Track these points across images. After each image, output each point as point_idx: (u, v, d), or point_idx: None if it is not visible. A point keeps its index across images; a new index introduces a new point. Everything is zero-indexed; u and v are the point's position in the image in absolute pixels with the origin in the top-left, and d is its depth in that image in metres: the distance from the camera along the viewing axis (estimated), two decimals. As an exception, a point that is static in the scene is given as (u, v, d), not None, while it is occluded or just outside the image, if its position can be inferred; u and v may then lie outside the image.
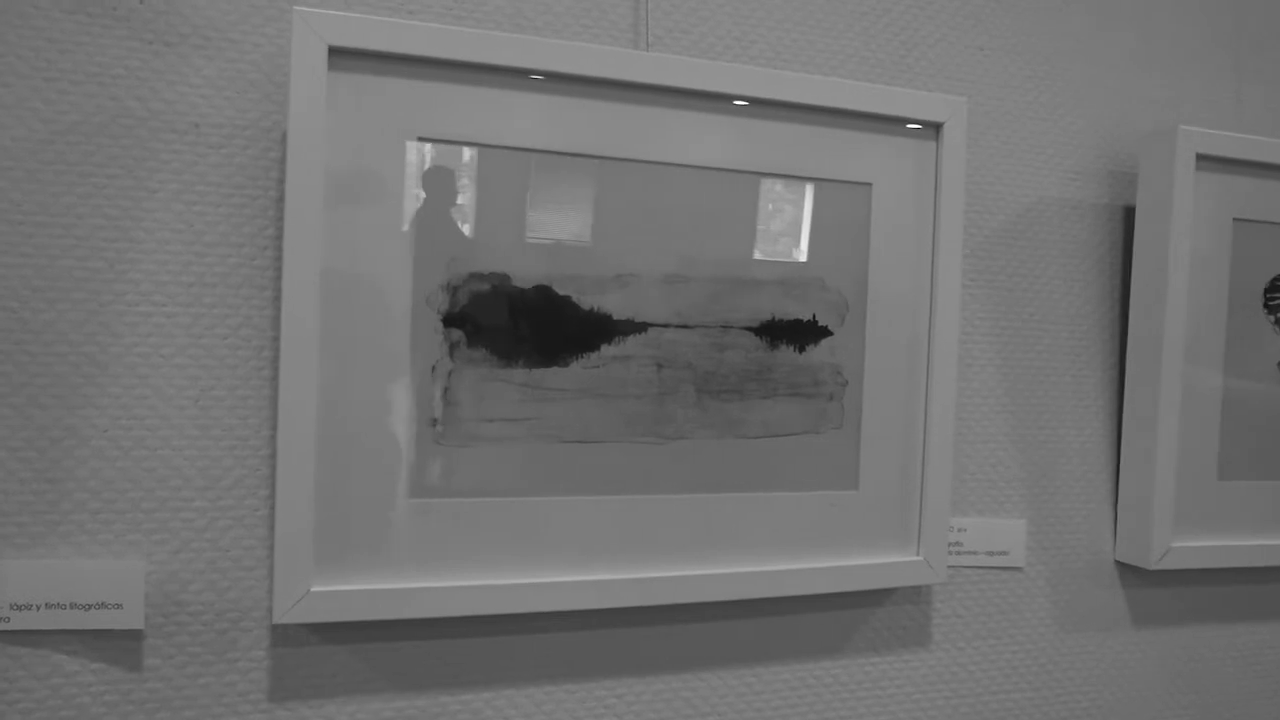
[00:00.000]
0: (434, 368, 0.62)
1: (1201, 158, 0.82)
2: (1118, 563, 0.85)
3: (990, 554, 0.80)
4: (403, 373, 0.62)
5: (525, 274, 0.64)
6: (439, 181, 0.63)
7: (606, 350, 0.66)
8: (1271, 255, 0.86)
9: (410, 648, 0.65)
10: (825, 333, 0.72)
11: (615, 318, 0.66)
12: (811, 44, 0.76)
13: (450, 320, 0.63)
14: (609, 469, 0.67)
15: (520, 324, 0.64)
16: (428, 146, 0.62)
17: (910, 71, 0.79)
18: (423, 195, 0.62)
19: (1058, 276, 0.84)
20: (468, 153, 0.63)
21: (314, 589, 0.59)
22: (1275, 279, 0.86)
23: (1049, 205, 0.83)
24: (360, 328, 0.61)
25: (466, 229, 0.63)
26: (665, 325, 0.68)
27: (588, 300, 0.66)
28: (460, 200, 0.63)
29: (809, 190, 0.72)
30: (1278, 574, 0.90)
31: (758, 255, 0.71)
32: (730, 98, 0.68)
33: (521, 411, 0.65)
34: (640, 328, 0.67)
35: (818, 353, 0.72)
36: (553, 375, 0.65)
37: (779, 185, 0.71)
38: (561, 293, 0.65)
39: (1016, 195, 0.82)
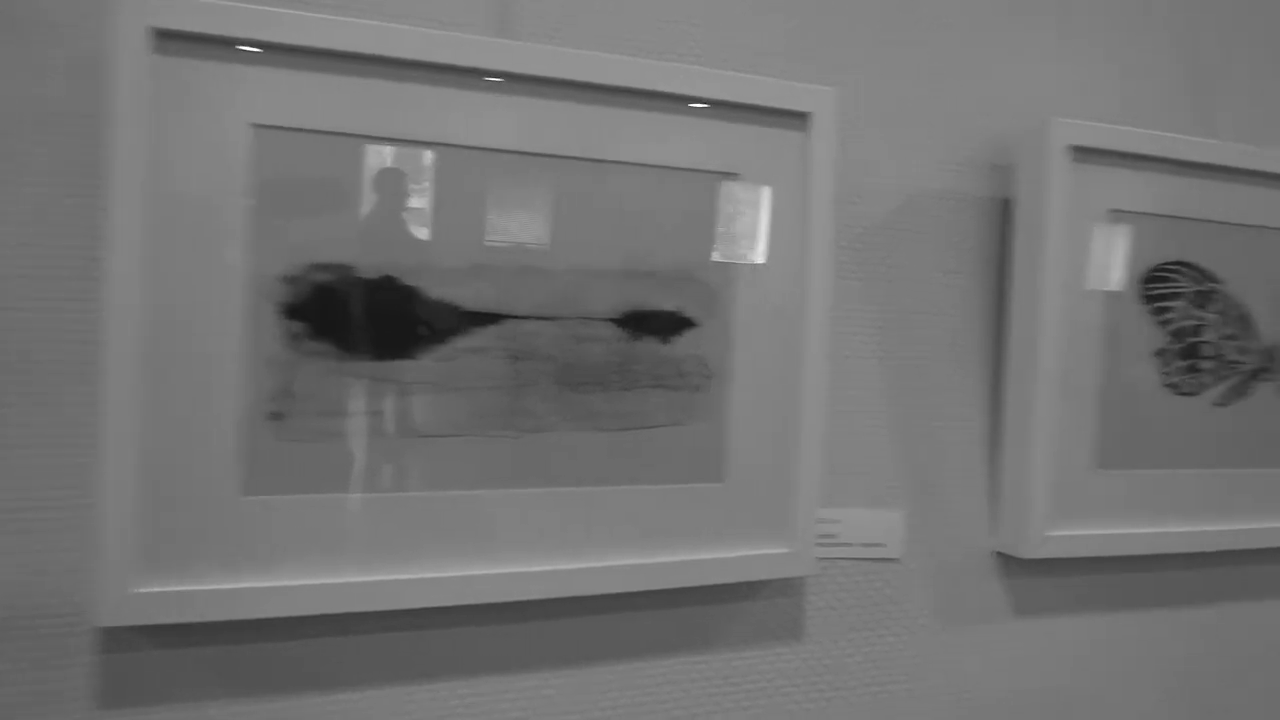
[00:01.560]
0: (273, 361, 0.61)
1: (1076, 149, 0.82)
2: (996, 553, 0.85)
3: (866, 546, 0.80)
4: (239, 367, 0.60)
5: (370, 264, 0.63)
6: (276, 170, 0.61)
7: (458, 343, 0.65)
8: (1147, 246, 0.87)
9: (251, 650, 0.63)
10: (690, 324, 0.71)
11: (467, 309, 0.65)
12: (689, 34, 0.75)
13: (292, 312, 0.61)
14: (462, 463, 0.65)
15: (365, 315, 0.63)
16: (265, 134, 0.60)
17: (793, 61, 0.78)
18: (259, 184, 0.60)
19: (937, 268, 0.83)
20: (309, 140, 0.61)
21: (138, 590, 0.57)
22: (1151, 270, 0.87)
23: (929, 197, 0.83)
24: (194, 322, 0.59)
25: (308, 218, 0.62)
26: (522, 317, 0.67)
27: (437, 291, 0.64)
28: (301, 189, 0.61)
29: (673, 180, 0.71)
30: (1158, 562, 0.91)
31: (620, 246, 0.69)
32: (583, 85, 0.67)
33: (368, 405, 0.63)
34: (494, 319, 0.66)
35: (683, 344, 0.71)
36: (401, 368, 0.64)
37: (641, 175, 0.70)
38: (408, 283, 0.64)
39: (897, 187, 0.82)
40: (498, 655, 0.69)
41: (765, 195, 0.73)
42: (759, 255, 0.73)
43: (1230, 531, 0.91)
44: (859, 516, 0.80)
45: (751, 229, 0.73)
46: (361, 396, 0.63)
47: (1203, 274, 0.88)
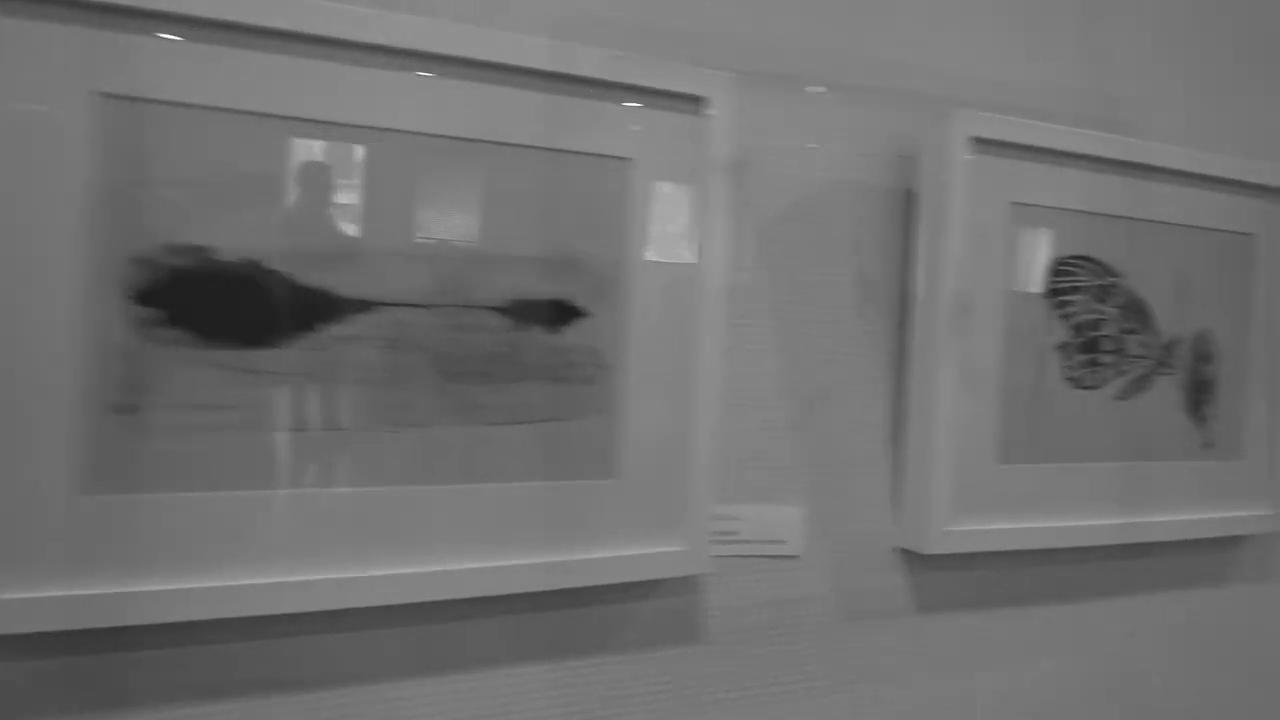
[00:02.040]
0: (121, 350, 0.56)
1: (979, 141, 0.82)
2: (899, 549, 0.84)
3: (766, 543, 0.78)
4: (77, 356, 0.55)
5: (233, 246, 0.59)
6: (129, 145, 0.56)
7: (329, 331, 0.61)
8: (1049, 240, 0.87)
9: (98, 662, 0.59)
10: (580, 314, 0.68)
11: (339, 295, 0.62)
12: (587, 12, 0.72)
13: (144, 298, 0.57)
14: (334, 460, 0.62)
15: (226, 302, 0.59)
16: (113, 104, 0.56)
17: (696, 46, 0.75)
18: (105, 160, 0.56)
19: (843, 260, 0.82)
20: (161, 111, 0.57)
21: (-36, 598, 0.53)
22: (1053, 263, 0.87)
23: (834, 188, 0.82)
24: (28, 307, 0.54)
25: (163, 197, 0.57)
26: (399, 304, 0.63)
27: (307, 276, 0.61)
28: (156, 165, 0.57)
29: (564, 165, 0.68)
30: (1060, 556, 0.91)
31: (507, 232, 0.67)
32: (464, 61, 0.64)
33: (229, 398, 0.59)
34: (368, 306, 0.62)
35: (572, 335, 0.68)
36: (266, 358, 0.60)
37: (530, 158, 0.67)
38: (274, 268, 0.60)
39: (804, 176, 0.81)
40: (369, 664, 0.66)
41: (660, 182, 0.71)
42: (653, 244, 0.71)
43: (1131, 525, 0.91)
44: (758, 513, 0.78)
45: (646, 216, 0.71)
46: (223, 389, 0.59)
47: (1103, 268, 0.89)
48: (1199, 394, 0.95)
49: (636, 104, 0.70)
